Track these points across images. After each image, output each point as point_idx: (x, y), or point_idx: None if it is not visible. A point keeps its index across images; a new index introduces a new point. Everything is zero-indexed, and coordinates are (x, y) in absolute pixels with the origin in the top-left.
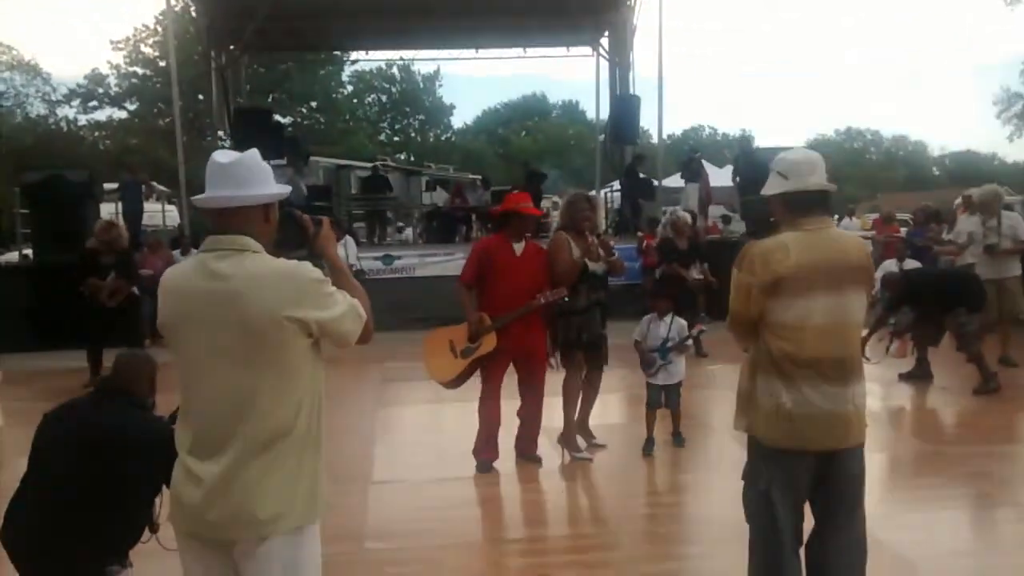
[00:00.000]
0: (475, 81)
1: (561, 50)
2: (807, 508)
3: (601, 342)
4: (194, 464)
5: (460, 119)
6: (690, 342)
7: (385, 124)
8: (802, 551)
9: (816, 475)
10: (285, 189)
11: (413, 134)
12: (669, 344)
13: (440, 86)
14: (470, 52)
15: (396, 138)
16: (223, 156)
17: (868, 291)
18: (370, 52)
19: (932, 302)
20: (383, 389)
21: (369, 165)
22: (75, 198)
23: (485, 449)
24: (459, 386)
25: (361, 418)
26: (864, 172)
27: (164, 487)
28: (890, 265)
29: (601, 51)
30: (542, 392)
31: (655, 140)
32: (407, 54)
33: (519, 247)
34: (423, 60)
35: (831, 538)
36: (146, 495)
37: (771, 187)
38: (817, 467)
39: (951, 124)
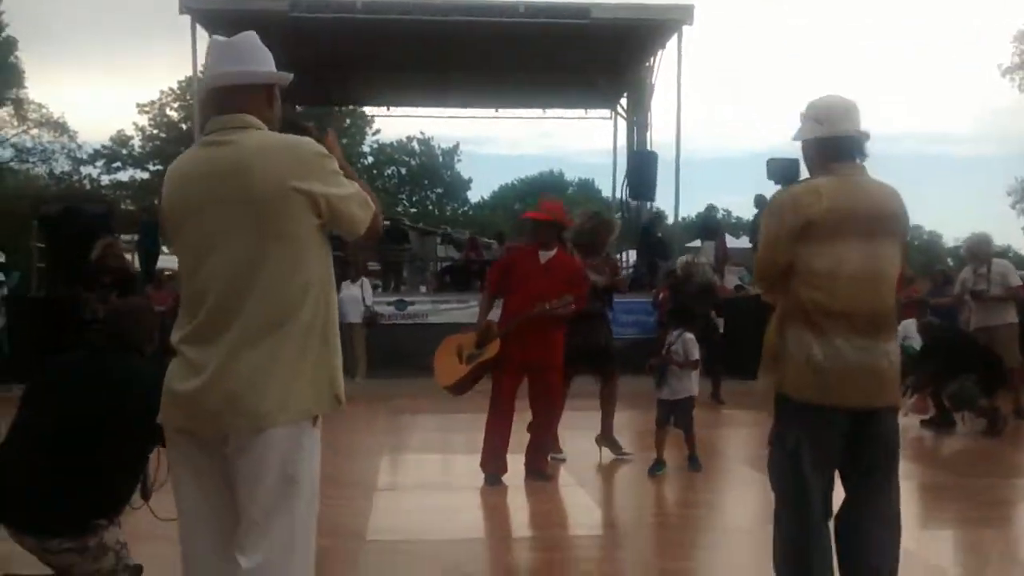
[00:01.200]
0: (493, 159)
1: (580, 112)
2: (837, 480)
3: (605, 351)
4: (191, 351)
5: (477, 193)
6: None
7: (403, 196)
8: (831, 524)
9: (848, 437)
10: (287, 74)
11: (430, 206)
12: (673, 350)
13: (459, 160)
14: (490, 111)
15: (413, 209)
16: (224, 38)
17: (903, 243)
18: (391, 108)
19: (947, 359)
20: (391, 434)
21: (389, 219)
22: (93, 230)
23: (491, 462)
24: (462, 393)
25: (367, 466)
26: None
27: (161, 447)
28: (910, 325)
29: (619, 111)
30: (555, 406)
31: (671, 220)
32: (427, 125)
33: (546, 255)
34: (443, 136)
35: (864, 509)
36: (141, 449)
37: (804, 132)
38: (849, 428)
39: (965, 215)
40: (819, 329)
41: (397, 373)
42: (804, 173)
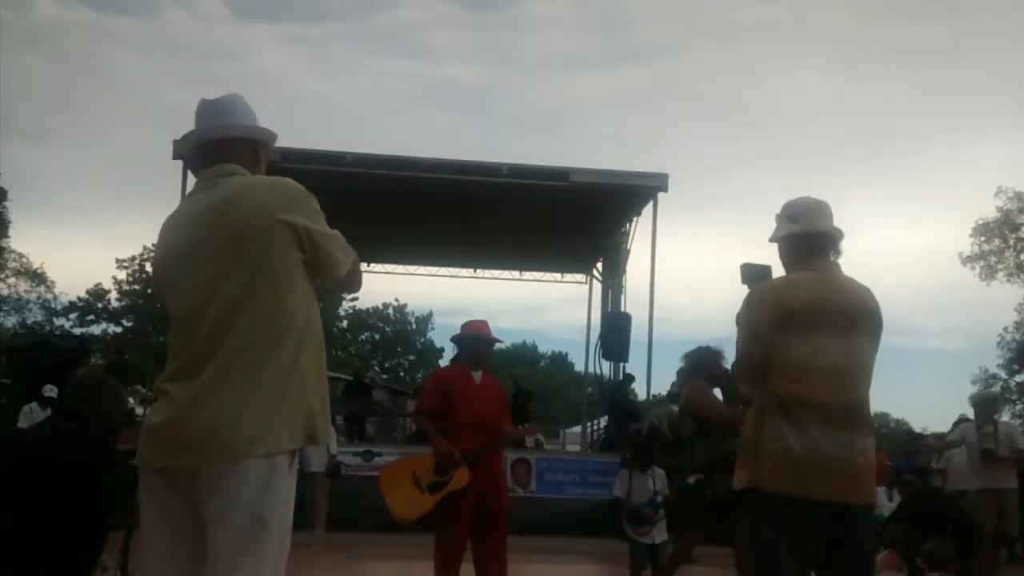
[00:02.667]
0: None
1: (556, 275)
2: None
3: None
4: (172, 387)
5: (448, 362)
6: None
7: (375, 362)
8: None
9: (824, 537)
10: (272, 131)
11: (403, 373)
12: (659, 498)
13: (432, 329)
14: (468, 271)
15: (385, 376)
16: (209, 96)
17: (877, 340)
18: (371, 265)
19: (920, 520)
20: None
21: (354, 373)
22: (64, 366)
23: None
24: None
25: None
26: None
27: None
28: (879, 493)
29: (595, 275)
30: (505, 543)
31: (643, 386)
32: (405, 285)
33: (477, 376)
34: (418, 304)
35: None
36: (96, 527)
37: (780, 230)
38: (826, 525)
39: (931, 404)
40: (796, 420)
41: (359, 527)
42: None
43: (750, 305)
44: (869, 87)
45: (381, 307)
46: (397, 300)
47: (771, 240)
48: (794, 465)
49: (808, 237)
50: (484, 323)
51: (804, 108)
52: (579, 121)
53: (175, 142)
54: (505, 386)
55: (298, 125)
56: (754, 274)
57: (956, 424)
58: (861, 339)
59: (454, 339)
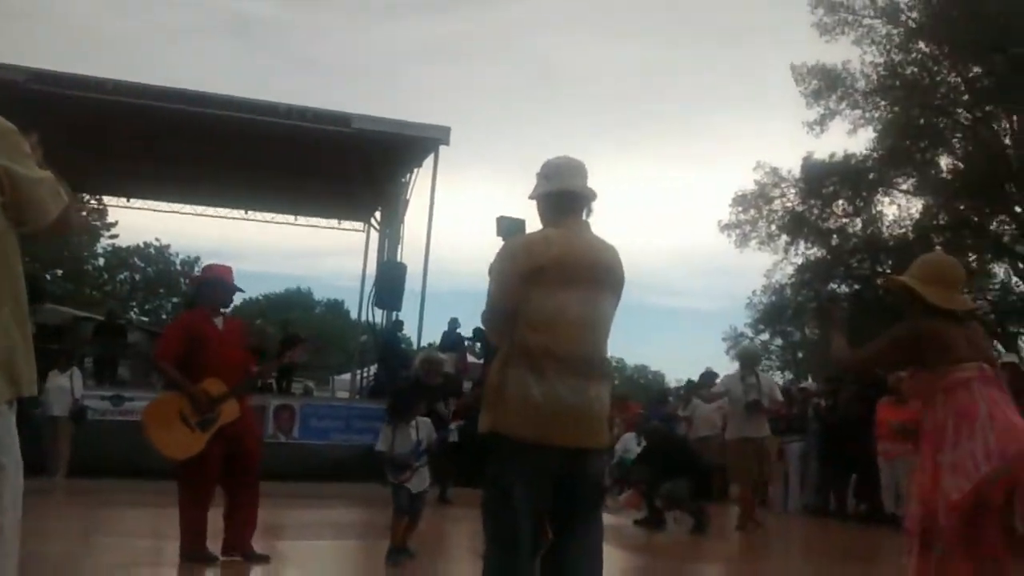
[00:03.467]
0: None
1: (333, 221)
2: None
3: None
4: None
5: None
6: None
7: (135, 303)
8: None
9: (559, 476)
10: None
11: (164, 316)
12: (422, 446)
13: (198, 273)
14: (239, 213)
15: (145, 318)
16: None
17: (618, 296)
18: (131, 200)
19: (662, 464)
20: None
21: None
22: None
23: (197, 542)
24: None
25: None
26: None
27: None
28: (629, 440)
29: (373, 224)
30: (258, 479)
31: (415, 338)
32: (172, 224)
33: (219, 321)
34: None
35: (569, 547)
36: None
37: (538, 187)
38: (561, 466)
39: (687, 358)
40: (539, 371)
41: (105, 473)
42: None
43: (503, 258)
44: (652, 58)
45: (142, 245)
46: (159, 240)
47: (530, 197)
48: (535, 412)
49: (562, 195)
50: (227, 268)
51: (587, 75)
52: (370, 69)
53: None
54: (274, 331)
55: (61, 47)
56: (508, 227)
57: (701, 376)
58: (604, 295)
59: (194, 282)
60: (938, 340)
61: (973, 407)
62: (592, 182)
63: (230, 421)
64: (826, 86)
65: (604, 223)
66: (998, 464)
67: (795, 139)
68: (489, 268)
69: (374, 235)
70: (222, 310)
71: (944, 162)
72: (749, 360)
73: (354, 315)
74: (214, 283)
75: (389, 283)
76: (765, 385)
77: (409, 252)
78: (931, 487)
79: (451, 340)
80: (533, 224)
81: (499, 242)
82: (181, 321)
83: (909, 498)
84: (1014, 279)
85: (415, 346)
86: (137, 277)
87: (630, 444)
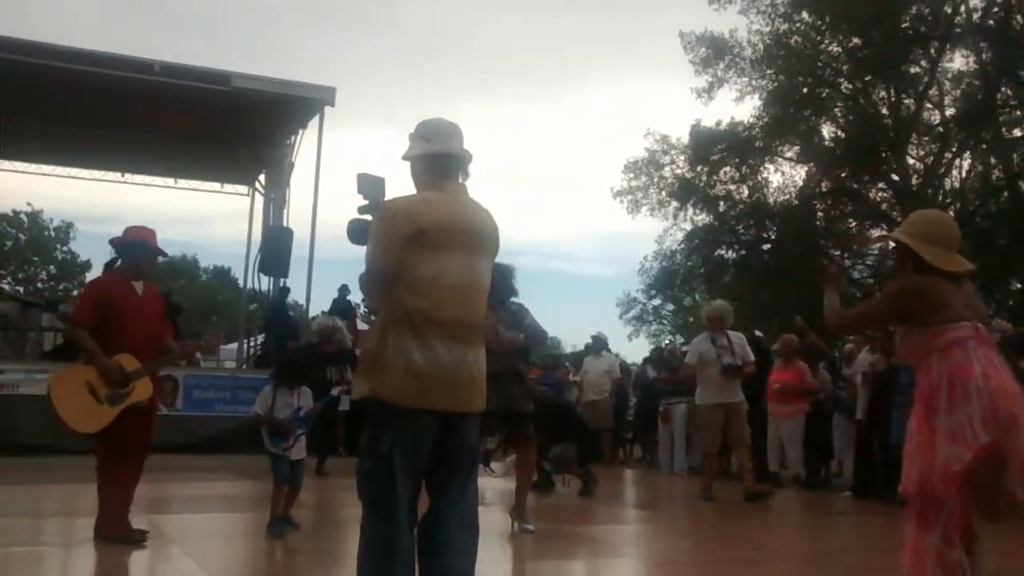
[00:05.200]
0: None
1: (216, 185)
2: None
3: (518, 415)
4: None
5: (98, 275)
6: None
7: (7, 272)
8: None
9: (436, 442)
10: None
11: (41, 285)
12: (302, 413)
13: (74, 239)
14: (115, 175)
15: (20, 287)
16: None
17: (494, 259)
18: None
19: (549, 429)
20: None
21: None
22: None
23: (121, 520)
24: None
25: None
26: None
27: None
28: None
29: (258, 188)
30: (147, 451)
31: (304, 303)
32: (43, 188)
33: (139, 286)
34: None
35: (446, 514)
36: None
37: (413, 149)
38: (438, 431)
39: (583, 322)
40: (420, 335)
41: None
42: (388, 193)
43: (383, 220)
44: (544, 25)
45: (11, 212)
46: (30, 205)
47: (404, 158)
48: (416, 377)
49: (440, 157)
50: (150, 231)
51: (472, 41)
52: (254, 27)
53: None
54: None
55: None
56: (369, 184)
57: (592, 339)
58: (483, 259)
59: (114, 243)
60: (938, 297)
61: (968, 367)
62: (481, 149)
63: (147, 396)
64: (714, 54)
65: (500, 190)
66: (994, 431)
67: (685, 107)
68: (350, 230)
69: (259, 199)
70: (142, 275)
71: (827, 130)
72: (718, 319)
73: (241, 283)
74: (135, 246)
75: (275, 249)
76: (738, 346)
77: (295, 217)
78: (929, 453)
79: (341, 307)
80: (396, 183)
81: (360, 200)
82: (98, 284)
83: (909, 460)
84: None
85: (307, 314)
86: (8, 244)
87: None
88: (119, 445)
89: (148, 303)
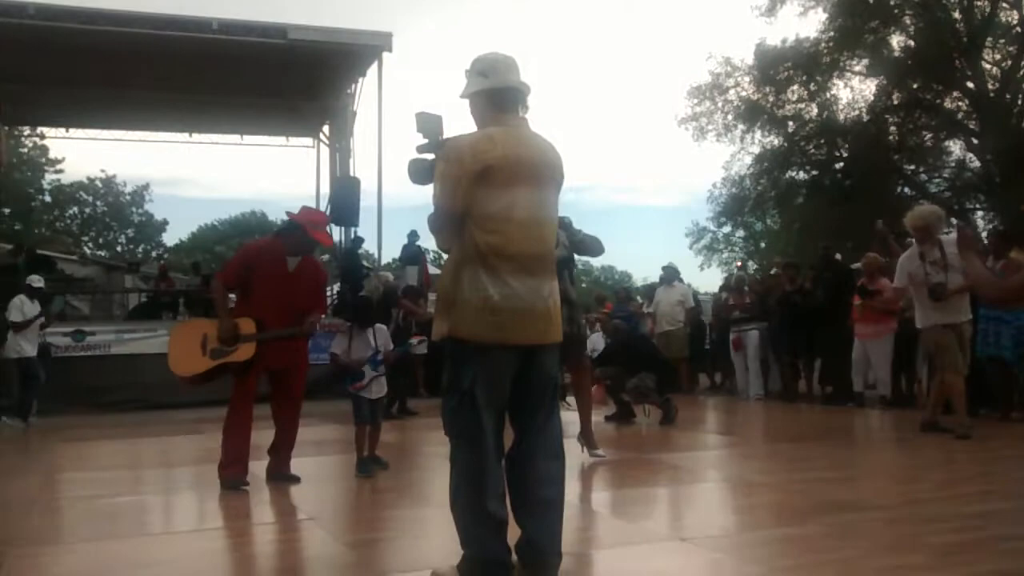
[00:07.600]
0: (190, 201)
1: (281, 139)
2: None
3: (575, 339)
4: None
5: (174, 236)
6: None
7: (88, 239)
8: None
9: (517, 374)
10: None
11: (120, 249)
12: (379, 355)
13: (150, 201)
14: (183, 136)
15: (101, 252)
16: None
17: (559, 192)
18: (70, 130)
19: (626, 361)
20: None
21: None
22: None
23: (234, 464)
24: (197, 386)
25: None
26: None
27: None
28: (597, 338)
29: (322, 139)
30: (299, 410)
31: (374, 250)
32: (114, 151)
33: (293, 262)
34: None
35: (533, 443)
36: None
37: (472, 86)
38: (519, 364)
39: (653, 255)
40: (494, 271)
41: (71, 410)
42: (447, 130)
43: (448, 160)
44: None
45: (87, 180)
46: (104, 171)
47: (462, 96)
48: (493, 313)
49: (499, 92)
50: (321, 217)
51: None
52: None
53: None
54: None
55: None
56: (427, 123)
57: (664, 270)
58: (548, 192)
59: (289, 216)
60: None
61: None
62: (542, 83)
63: (242, 360)
64: None
65: (559, 123)
66: None
67: (747, 26)
68: (410, 169)
69: (325, 151)
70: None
71: (896, 41)
72: (928, 228)
73: None
74: (297, 229)
75: (344, 199)
76: (952, 255)
77: (361, 165)
78: None
79: (411, 253)
80: (454, 120)
81: (420, 139)
82: (250, 250)
83: None
84: (968, 155)
85: (378, 262)
86: (87, 212)
87: (597, 343)
88: (243, 397)
89: (297, 278)
